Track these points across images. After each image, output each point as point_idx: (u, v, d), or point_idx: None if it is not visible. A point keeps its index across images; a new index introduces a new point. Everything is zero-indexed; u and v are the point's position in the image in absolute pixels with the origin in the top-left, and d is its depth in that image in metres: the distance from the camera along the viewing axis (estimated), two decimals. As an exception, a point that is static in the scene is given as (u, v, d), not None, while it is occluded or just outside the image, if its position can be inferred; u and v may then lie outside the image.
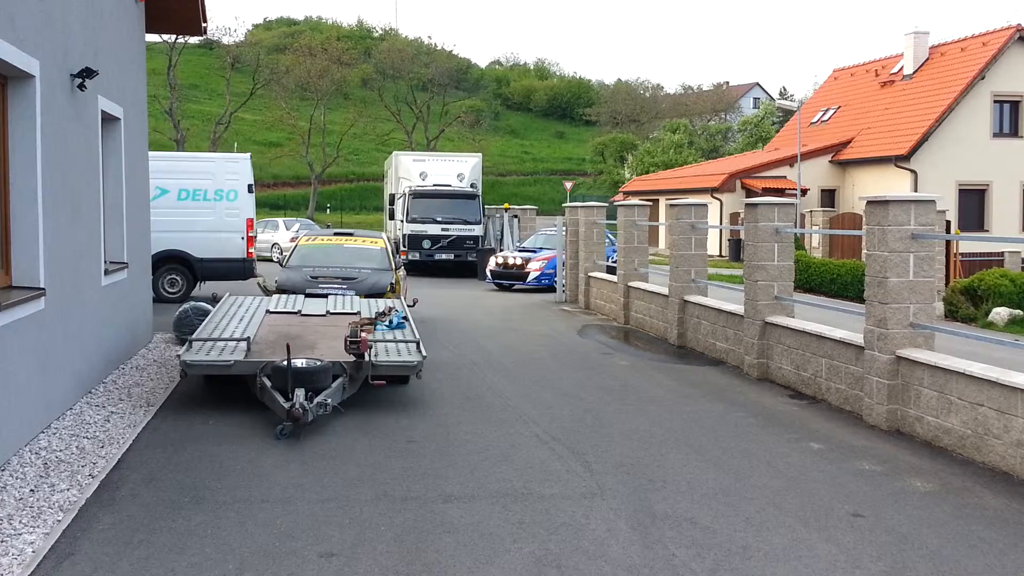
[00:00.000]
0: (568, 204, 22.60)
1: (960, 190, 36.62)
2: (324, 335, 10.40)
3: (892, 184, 36.43)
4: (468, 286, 26.19)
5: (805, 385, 10.92)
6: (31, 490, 6.83)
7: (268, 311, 11.67)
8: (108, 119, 11.64)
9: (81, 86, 9.82)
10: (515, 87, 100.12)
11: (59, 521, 6.22)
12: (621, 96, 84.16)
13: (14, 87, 8.23)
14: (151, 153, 15.50)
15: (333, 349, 9.75)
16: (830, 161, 40.78)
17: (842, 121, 43.65)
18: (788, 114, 56.41)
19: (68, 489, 6.90)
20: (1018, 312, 20.41)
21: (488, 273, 26.06)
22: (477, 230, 30.04)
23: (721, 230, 39.44)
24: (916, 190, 35.04)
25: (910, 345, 9.14)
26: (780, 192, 36.81)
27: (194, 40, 59.06)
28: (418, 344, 10.19)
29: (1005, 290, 20.88)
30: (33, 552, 5.69)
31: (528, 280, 25.23)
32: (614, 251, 25.48)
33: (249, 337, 9.98)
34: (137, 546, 5.83)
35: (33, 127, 8.34)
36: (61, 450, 7.91)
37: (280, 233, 37.19)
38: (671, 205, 15.51)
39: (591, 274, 20.38)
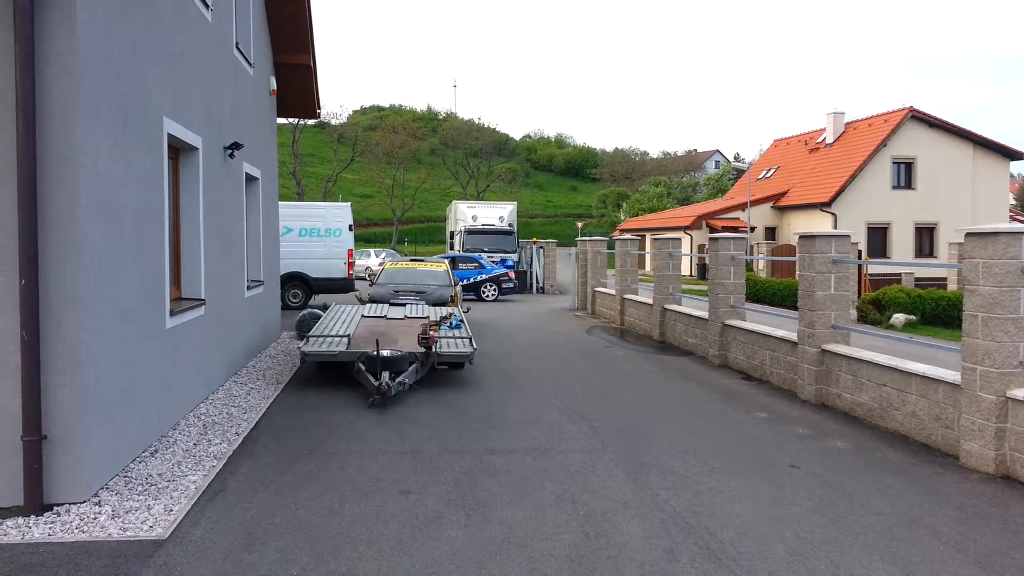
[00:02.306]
0: (579, 238, 22.51)
1: (868, 228, 36.10)
2: (403, 333, 10.46)
3: (818, 223, 36.02)
4: (507, 298, 26.16)
5: (754, 370, 10.80)
6: (194, 444, 6.91)
7: (363, 316, 11.74)
8: (250, 179, 11.80)
9: (231, 155, 9.96)
10: (540, 154, 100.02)
11: (214, 467, 6.30)
12: (618, 160, 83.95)
13: (184, 156, 8.38)
14: (280, 202, 15.68)
15: (410, 343, 9.79)
16: (772, 207, 40.33)
17: (780, 177, 43.19)
18: (740, 173, 56.02)
19: (220, 443, 6.97)
20: (912, 317, 20.08)
21: None
22: (513, 257, 30.08)
23: (691, 257, 39.16)
24: (836, 228, 34.62)
25: (832, 341, 9.03)
26: (735, 230, 36.46)
27: (311, 121, 59.71)
28: (470, 340, 10.21)
29: (902, 301, 20.57)
30: (195, 488, 5.76)
31: None
32: (480, 272, 25.28)
33: (350, 334, 10.05)
34: (269, 485, 5.88)
35: (197, 184, 8.48)
36: (215, 415, 8.00)
37: (371, 259, 37.37)
38: (655, 239, 15.43)
39: (596, 289, 20.29)
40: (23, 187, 5.11)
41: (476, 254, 27.68)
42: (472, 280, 25.01)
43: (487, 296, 25.05)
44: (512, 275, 26.24)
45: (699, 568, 4.53)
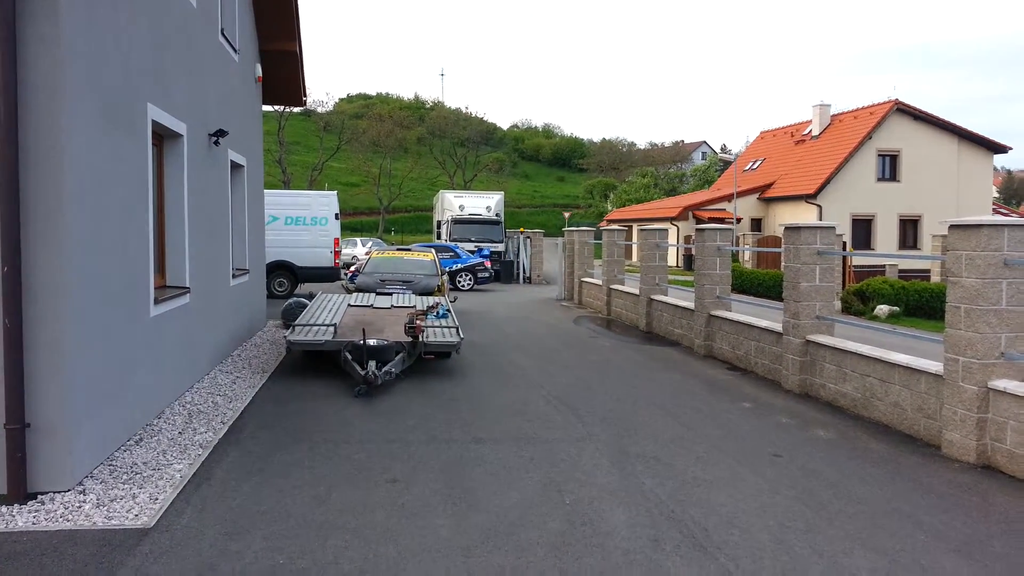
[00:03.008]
0: (566, 228, 22.52)
1: (853, 219, 36.37)
2: (389, 322, 10.45)
3: (803, 215, 36.24)
4: (494, 288, 26.19)
5: (739, 360, 10.87)
6: (179, 432, 6.89)
7: (349, 305, 11.72)
8: (235, 166, 11.72)
9: (216, 142, 9.89)
10: (528, 144, 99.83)
11: (199, 455, 6.28)
12: (605, 151, 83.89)
13: (168, 143, 8.31)
14: (266, 191, 15.59)
15: (396, 332, 9.78)
16: (758, 198, 40.53)
17: (767, 169, 43.38)
18: (727, 164, 56.11)
19: (205, 432, 6.96)
20: (895, 308, 20.27)
21: None
22: (500, 247, 30.06)
23: (678, 247, 39.31)
24: (821, 219, 34.82)
25: (816, 332, 9.10)
26: (721, 221, 36.62)
27: (297, 109, 59.08)
28: (457, 329, 10.21)
29: (886, 292, 20.76)
30: (181, 477, 5.75)
31: None
32: (455, 262, 25.31)
33: (336, 323, 10.03)
34: (255, 473, 5.87)
35: (181, 171, 8.42)
36: (200, 404, 7.98)
37: (358, 249, 37.20)
38: (641, 230, 15.47)
39: (583, 279, 20.33)
40: (6, 174, 5.05)
41: (452, 243, 27.64)
42: (447, 269, 25.05)
43: (462, 286, 25.03)
44: (488, 264, 26.18)
45: (684, 556, 4.57)
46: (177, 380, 8.15)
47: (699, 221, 39.00)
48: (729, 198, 39.30)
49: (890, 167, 37.17)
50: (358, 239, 41.01)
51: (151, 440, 6.60)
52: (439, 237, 32.20)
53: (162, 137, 8.15)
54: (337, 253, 20.83)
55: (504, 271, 29.12)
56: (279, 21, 13.41)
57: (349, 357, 9.07)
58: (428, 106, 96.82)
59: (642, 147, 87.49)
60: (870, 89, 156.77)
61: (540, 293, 24.27)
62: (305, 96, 15.56)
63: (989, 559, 4.62)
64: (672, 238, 38.91)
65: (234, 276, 11.28)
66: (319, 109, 67.24)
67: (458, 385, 9.29)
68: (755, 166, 45.25)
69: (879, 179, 37.00)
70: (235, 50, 11.37)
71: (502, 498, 5.44)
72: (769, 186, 40.58)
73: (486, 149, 79.52)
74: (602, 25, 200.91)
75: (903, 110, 36.72)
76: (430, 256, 16.71)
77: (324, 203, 20.98)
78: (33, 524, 4.84)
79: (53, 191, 5.25)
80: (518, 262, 29.83)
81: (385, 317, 10.79)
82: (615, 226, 20.67)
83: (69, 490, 5.34)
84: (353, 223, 63.79)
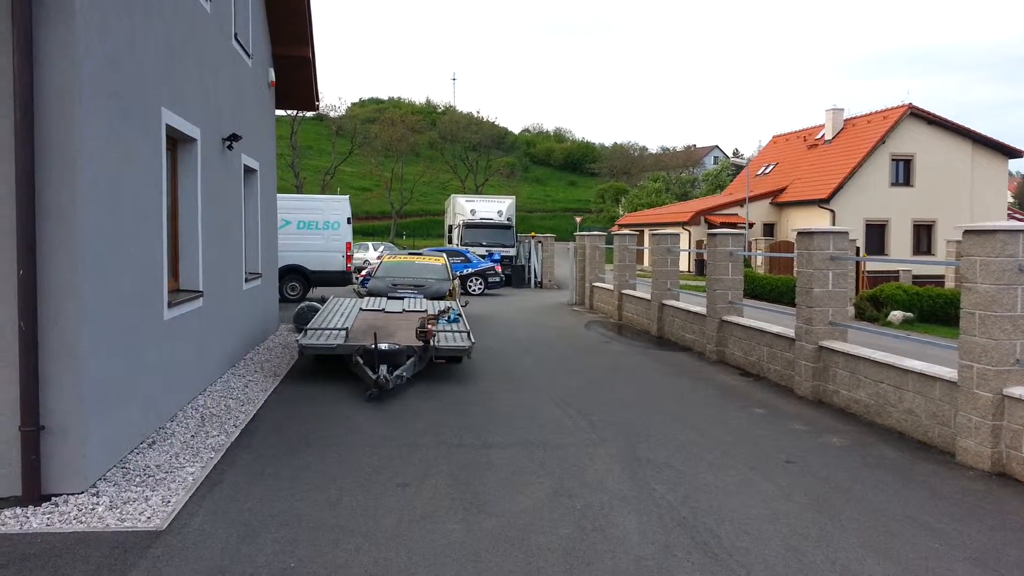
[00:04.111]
0: (578, 233, 22.49)
1: (867, 224, 36.13)
2: (401, 326, 10.45)
3: (816, 220, 36.04)
4: (505, 293, 26.18)
5: (751, 366, 10.82)
6: (192, 436, 6.92)
7: (361, 309, 11.73)
8: (248, 170, 11.76)
9: (229, 147, 9.94)
10: (539, 148, 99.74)
11: (211, 458, 6.30)
12: (617, 155, 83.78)
13: (182, 147, 8.36)
14: (278, 195, 15.65)
15: (407, 336, 9.79)
16: (770, 203, 40.36)
17: (779, 174, 43.19)
18: (739, 168, 55.92)
19: (218, 435, 6.98)
20: (909, 314, 20.13)
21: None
22: (511, 251, 30.05)
23: (690, 252, 39.17)
24: (834, 224, 34.64)
25: (829, 338, 9.04)
26: (733, 225, 36.47)
27: (309, 114, 59.39)
28: (468, 334, 10.21)
29: (900, 298, 20.61)
30: (193, 480, 5.77)
31: None
32: (466, 266, 25.22)
33: (347, 327, 10.04)
34: (267, 476, 5.89)
35: (195, 176, 8.46)
36: (213, 407, 8.01)
37: (370, 253, 37.29)
38: (653, 234, 15.44)
39: (594, 284, 20.29)
40: (21, 177, 5.10)
41: (463, 248, 27.68)
42: (459, 274, 25.07)
43: (473, 290, 25.06)
44: (499, 269, 26.19)
45: (695, 563, 4.55)
46: (190, 383, 8.18)
47: (711, 226, 38.87)
48: (741, 203, 39.16)
49: (904, 172, 36.92)
50: (370, 243, 41.11)
51: (164, 443, 6.63)
52: (450, 241, 32.25)
53: (176, 141, 8.20)
54: (349, 257, 20.90)
55: (515, 276, 29.14)
56: (292, 26, 13.48)
57: (360, 361, 9.08)
58: (440, 110, 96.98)
59: (654, 151, 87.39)
60: (883, 93, 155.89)
61: (551, 298, 24.26)
62: (318, 100, 15.63)
63: (1004, 567, 4.57)
64: (684, 243, 38.79)
65: (247, 280, 11.32)
66: (332, 113, 67.46)
67: (469, 390, 9.29)
68: (768, 170, 45.07)
69: (893, 184, 36.76)
70: (248, 55, 11.44)
71: (512, 503, 5.43)
72: (782, 191, 40.40)
73: (498, 153, 79.55)
74: (614, 29, 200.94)
75: (917, 114, 36.48)
76: (441, 260, 16.71)
77: (336, 207, 21.05)
78: (47, 526, 4.87)
79: (67, 194, 5.29)
80: (529, 267, 29.83)
81: (397, 321, 10.80)
82: (626, 231, 20.63)
83: (83, 492, 5.38)
84: (365, 227, 63.90)
